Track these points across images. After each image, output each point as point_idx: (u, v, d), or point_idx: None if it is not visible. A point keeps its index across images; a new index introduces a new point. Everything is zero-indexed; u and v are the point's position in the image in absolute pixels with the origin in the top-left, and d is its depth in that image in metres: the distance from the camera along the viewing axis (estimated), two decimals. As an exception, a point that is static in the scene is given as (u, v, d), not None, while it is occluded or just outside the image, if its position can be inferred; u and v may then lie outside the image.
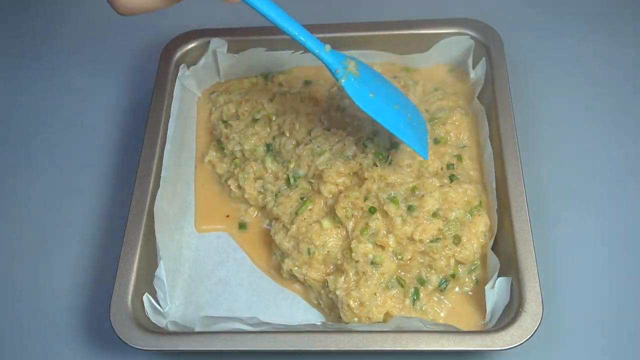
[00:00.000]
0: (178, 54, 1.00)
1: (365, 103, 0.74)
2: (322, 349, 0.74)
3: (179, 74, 0.98)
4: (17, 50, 1.16)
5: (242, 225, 0.92)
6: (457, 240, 0.81)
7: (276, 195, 0.90)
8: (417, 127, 0.79)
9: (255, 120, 0.95)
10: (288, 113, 0.95)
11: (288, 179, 0.89)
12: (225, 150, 0.96)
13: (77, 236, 0.94)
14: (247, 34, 1.01)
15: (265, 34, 1.01)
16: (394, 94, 0.80)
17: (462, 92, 0.98)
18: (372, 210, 0.82)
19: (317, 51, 0.73)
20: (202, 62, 1.01)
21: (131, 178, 0.88)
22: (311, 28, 1.00)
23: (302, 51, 1.01)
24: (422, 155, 0.78)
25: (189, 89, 1.01)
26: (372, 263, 0.80)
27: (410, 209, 0.81)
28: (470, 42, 0.98)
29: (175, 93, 0.96)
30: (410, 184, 0.83)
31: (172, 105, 0.95)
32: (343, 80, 0.74)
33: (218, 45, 1.01)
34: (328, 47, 0.74)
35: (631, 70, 1.04)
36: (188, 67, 1.00)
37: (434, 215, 0.82)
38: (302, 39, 0.71)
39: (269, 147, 0.93)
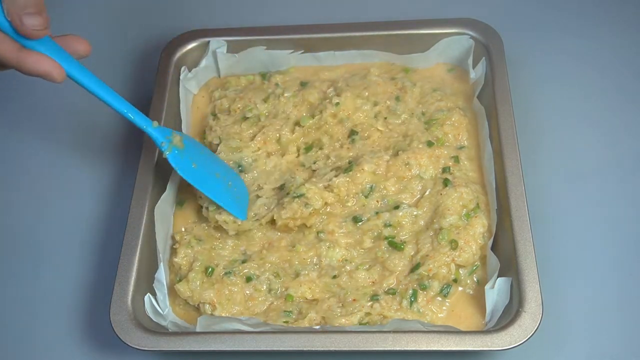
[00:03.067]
0: (178, 55, 1.00)
1: (187, 173, 0.83)
2: (322, 349, 0.74)
3: (180, 77, 0.98)
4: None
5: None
6: (454, 244, 0.81)
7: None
8: (237, 193, 0.87)
9: (245, 119, 0.95)
10: (279, 117, 0.95)
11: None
12: (204, 141, 0.96)
13: (77, 236, 0.94)
14: (247, 34, 1.01)
15: (265, 34, 1.01)
16: (216, 164, 0.89)
17: (461, 92, 0.98)
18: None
19: (144, 126, 0.80)
20: (203, 63, 1.01)
21: (131, 178, 0.89)
22: (312, 28, 1.02)
23: (302, 51, 1.01)
24: (239, 217, 0.85)
25: (189, 90, 1.01)
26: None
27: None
28: (470, 42, 0.98)
29: (180, 97, 0.97)
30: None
31: (181, 108, 0.96)
32: (167, 153, 0.82)
33: (218, 45, 1.01)
34: (155, 123, 0.82)
35: (633, 70, 1.03)
36: (189, 69, 1.00)
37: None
38: (131, 115, 0.79)
39: None
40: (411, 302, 0.80)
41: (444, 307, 0.81)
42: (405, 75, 0.99)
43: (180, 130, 0.96)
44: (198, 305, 0.82)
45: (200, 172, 0.85)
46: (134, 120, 0.79)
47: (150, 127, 0.81)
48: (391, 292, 0.81)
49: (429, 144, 0.90)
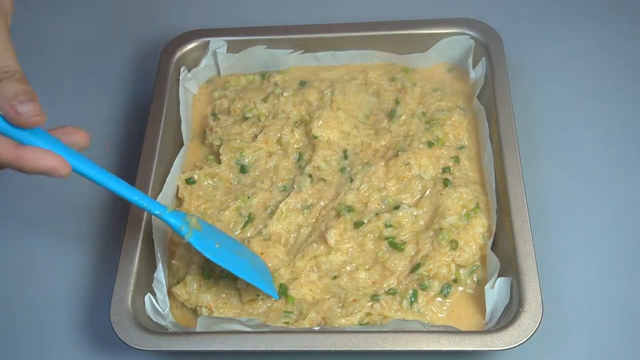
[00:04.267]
0: (178, 55, 1.00)
1: (213, 254, 0.77)
2: (321, 349, 0.74)
3: (180, 77, 0.98)
4: (20, 55, 1.16)
5: None
6: (454, 244, 0.81)
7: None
8: (261, 271, 0.82)
9: (245, 119, 0.95)
10: (279, 117, 0.95)
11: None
12: (205, 142, 0.96)
13: (77, 236, 0.94)
14: (247, 34, 1.01)
15: (265, 34, 1.01)
16: (234, 243, 0.83)
17: (461, 92, 0.98)
18: None
19: (158, 212, 0.74)
20: (203, 63, 1.01)
21: (132, 178, 0.88)
22: (312, 28, 1.02)
23: (302, 51, 1.01)
24: (272, 295, 0.81)
25: (189, 90, 1.01)
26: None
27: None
28: (470, 42, 0.98)
29: (180, 97, 0.97)
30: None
31: (180, 109, 0.96)
32: (189, 237, 0.76)
33: (217, 45, 1.01)
34: (170, 207, 0.76)
35: (633, 70, 1.03)
36: (189, 70, 1.00)
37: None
38: (144, 203, 0.73)
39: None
40: (411, 302, 0.80)
41: (444, 307, 0.81)
42: (405, 76, 0.99)
43: (180, 129, 0.96)
44: (195, 308, 0.82)
45: (224, 252, 0.79)
46: (148, 208, 0.73)
47: (166, 214, 0.75)
48: (391, 292, 0.81)
49: (429, 144, 0.90)
